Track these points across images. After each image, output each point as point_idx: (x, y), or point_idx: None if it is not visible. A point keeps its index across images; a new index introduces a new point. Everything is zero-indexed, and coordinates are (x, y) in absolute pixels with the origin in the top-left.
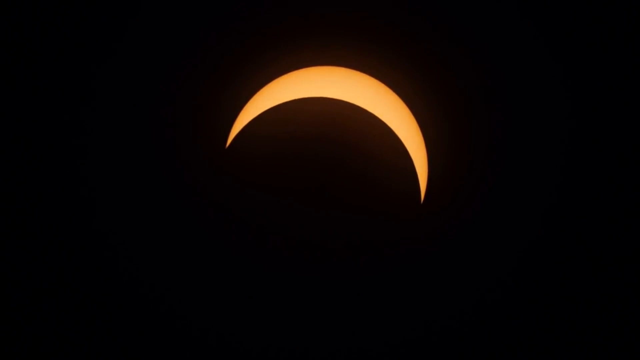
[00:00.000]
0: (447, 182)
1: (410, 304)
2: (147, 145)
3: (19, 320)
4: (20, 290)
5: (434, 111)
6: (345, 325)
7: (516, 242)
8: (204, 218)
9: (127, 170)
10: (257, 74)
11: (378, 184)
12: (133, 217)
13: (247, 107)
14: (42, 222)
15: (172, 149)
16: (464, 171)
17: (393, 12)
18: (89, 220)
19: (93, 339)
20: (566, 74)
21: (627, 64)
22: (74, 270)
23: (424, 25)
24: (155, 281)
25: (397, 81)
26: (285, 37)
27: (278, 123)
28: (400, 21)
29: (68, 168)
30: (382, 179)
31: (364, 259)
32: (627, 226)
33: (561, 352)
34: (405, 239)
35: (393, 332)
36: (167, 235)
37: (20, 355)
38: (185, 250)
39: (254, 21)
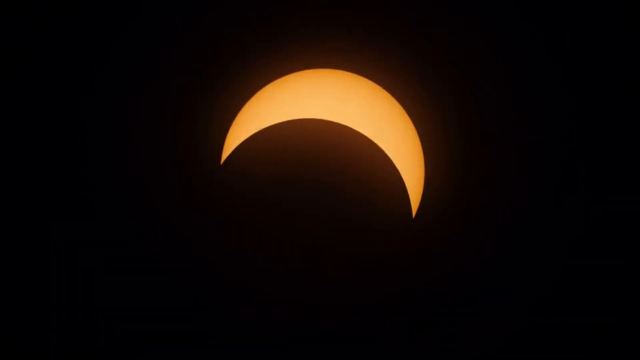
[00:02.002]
0: (445, 192)
1: (405, 322)
2: (137, 155)
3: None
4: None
5: (432, 116)
6: (339, 342)
7: (511, 257)
8: (196, 232)
9: (118, 183)
10: (253, 75)
11: (369, 202)
12: (125, 228)
13: (241, 114)
14: (23, 233)
15: (163, 159)
16: (462, 180)
17: (394, 12)
18: (78, 235)
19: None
20: (578, 86)
21: (628, 65)
22: (62, 282)
23: (425, 27)
24: (143, 296)
25: (397, 85)
26: (282, 38)
27: (270, 144)
28: (400, 22)
29: (55, 181)
30: (373, 198)
31: (358, 275)
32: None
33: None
34: (399, 255)
35: (388, 350)
36: (156, 251)
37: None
38: (176, 266)
39: (247, 22)
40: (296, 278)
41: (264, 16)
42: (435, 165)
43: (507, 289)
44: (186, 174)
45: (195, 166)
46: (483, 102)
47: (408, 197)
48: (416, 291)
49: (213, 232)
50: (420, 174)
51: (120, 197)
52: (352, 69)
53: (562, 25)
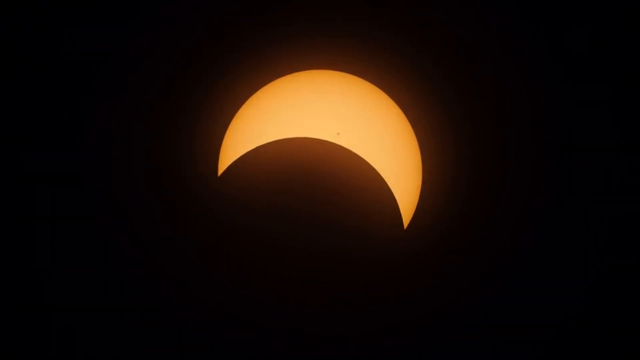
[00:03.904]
0: (441, 201)
1: (398, 335)
2: (130, 165)
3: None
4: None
5: (431, 120)
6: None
7: (508, 268)
8: (190, 249)
9: (116, 188)
10: (249, 77)
11: (361, 218)
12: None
13: (238, 117)
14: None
15: (160, 159)
16: (460, 186)
17: (394, 15)
18: (78, 235)
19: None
20: (580, 90)
21: (625, 66)
22: (62, 282)
23: (425, 30)
24: (141, 300)
25: (396, 88)
26: (277, 40)
27: (264, 162)
28: (400, 23)
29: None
30: (363, 213)
31: (351, 290)
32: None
33: None
34: (391, 267)
35: None
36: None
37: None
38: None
39: (241, 24)
40: (291, 289)
41: (258, 19)
42: (433, 170)
43: (503, 300)
44: (183, 182)
45: (192, 174)
46: (484, 108)
47: (399, 210)
48: (409, 304)
49: (208, 243)
50: (417, 182)
51: (118, 201)
52: (350, 70)
53: (562, 25)
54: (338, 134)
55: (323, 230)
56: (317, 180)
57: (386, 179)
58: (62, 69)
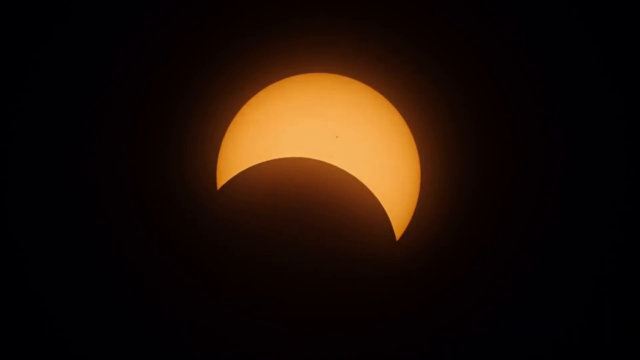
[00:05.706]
0: (438, 210)
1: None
2: (127, 172)
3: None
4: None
5: (432, 125)
6: None
7: (496, 279)
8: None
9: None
10: (246, 80)
11: (352, 237)
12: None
13: (234, 123)
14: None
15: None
16: (458, 195)
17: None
18: (77, 236)
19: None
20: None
21: (622, 67)
22: (62, 282)
23: (426, 34)
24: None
25: (399, 96)
26: (275, 43)
27: (260, 181)
28: (401, 27)
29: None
30: (355, 226)
31: (346, 304)
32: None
33: None
34: (384, 280)
35: None
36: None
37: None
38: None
39: (238, 26)
40: (285, 303)
41: (255, 21)
42: (433, 179)
43: (498, 310)
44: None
45: (190, 185)
46: (488, 113)
47: (390, 223)
48: (401, 323)
49: (203, 260)
50: (413, 194)
51: (117, 210)
52: (351, 74)
53: (562, 25)
54: (337, 137)
55: (315, 247)
56: (310, 199)
57: (379, 195)
58: (61, 69)
